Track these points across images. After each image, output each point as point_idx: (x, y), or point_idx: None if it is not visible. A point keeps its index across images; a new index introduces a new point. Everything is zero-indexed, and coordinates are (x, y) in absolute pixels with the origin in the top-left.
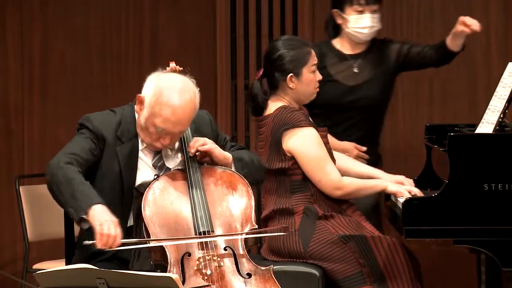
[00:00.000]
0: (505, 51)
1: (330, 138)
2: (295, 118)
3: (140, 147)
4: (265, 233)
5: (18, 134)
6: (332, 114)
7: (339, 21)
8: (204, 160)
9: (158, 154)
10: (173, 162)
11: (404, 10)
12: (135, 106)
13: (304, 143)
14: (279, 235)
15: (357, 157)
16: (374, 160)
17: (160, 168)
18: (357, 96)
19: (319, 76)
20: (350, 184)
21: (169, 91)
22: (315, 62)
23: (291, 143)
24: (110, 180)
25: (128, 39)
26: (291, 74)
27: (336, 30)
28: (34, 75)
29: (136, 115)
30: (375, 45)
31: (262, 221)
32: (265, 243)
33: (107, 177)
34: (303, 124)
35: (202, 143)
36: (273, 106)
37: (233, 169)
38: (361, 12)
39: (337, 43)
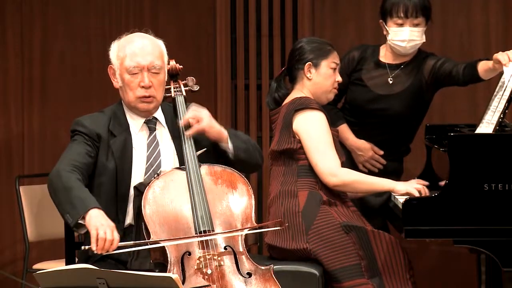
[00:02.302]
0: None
1: (349, 134)
2: (307, 101)
3: (134, 132)
4: (262, 228)
5: (18, 134)
6: (357, 114)
7: (384, 32)
8: (199, 135)
9: (153, 134)
10: (166, 143)
11: None
12: (113, 82)
13: (309, 123)
14: (275, 229)
15: (372, 159)
16: (394, 167)
17: (154, 148)
18: (382, 106)
19: (338, 77)
20: (348, 173)
21: (126, 37)
22: (337, 61)
23: (299, 122)
24: (107, 175)
25: None
26: (309, 63)
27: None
28: (34, 75)
29: (120, 93)
30: (417, 59)
31: (268, 206)
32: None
33: (104, 172)
34: (314, 106)
35: (193, 116)
36: (290, 97)
37: (229, 144)
38: (401, 25)
39: (382, 50)
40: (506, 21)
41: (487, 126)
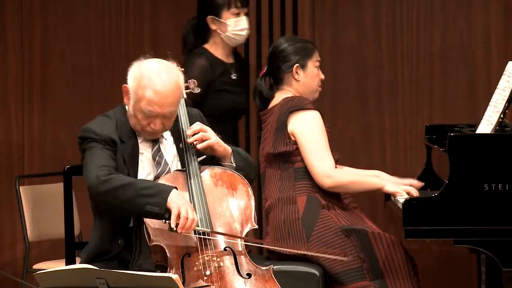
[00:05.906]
0: (505, 51)
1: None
2: (301, 102)
3: (139, 140)
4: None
5: (18, 134)
6: (224, 122)
7: (214, 27)
8: (205, 152)
9: (156, 145)
10: (170, 152)
11: (404, 10)
12: (124, 98)
13: (305, 124)
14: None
15: None
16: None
17: (159, 160)
18: (244, 104)
19: (321, 75)
20: (343, 175)
21: (149, 74)
22: (319, 59)
23: (294, 124)
24: None
25: (128, 39)
26: (297, 65)
27: (204, 38)
28: (34, 75)
29: (126, 107)
30: (235, 55)
31: (265, 211)
32: (269, 236)
33: None
34: (308, 107)
35: (200, 136)
36: (279, 97)
37: (232, 160)
38: (237, 14)
39: (213, 50)
40: (506, 21)
41: (487, 125)
